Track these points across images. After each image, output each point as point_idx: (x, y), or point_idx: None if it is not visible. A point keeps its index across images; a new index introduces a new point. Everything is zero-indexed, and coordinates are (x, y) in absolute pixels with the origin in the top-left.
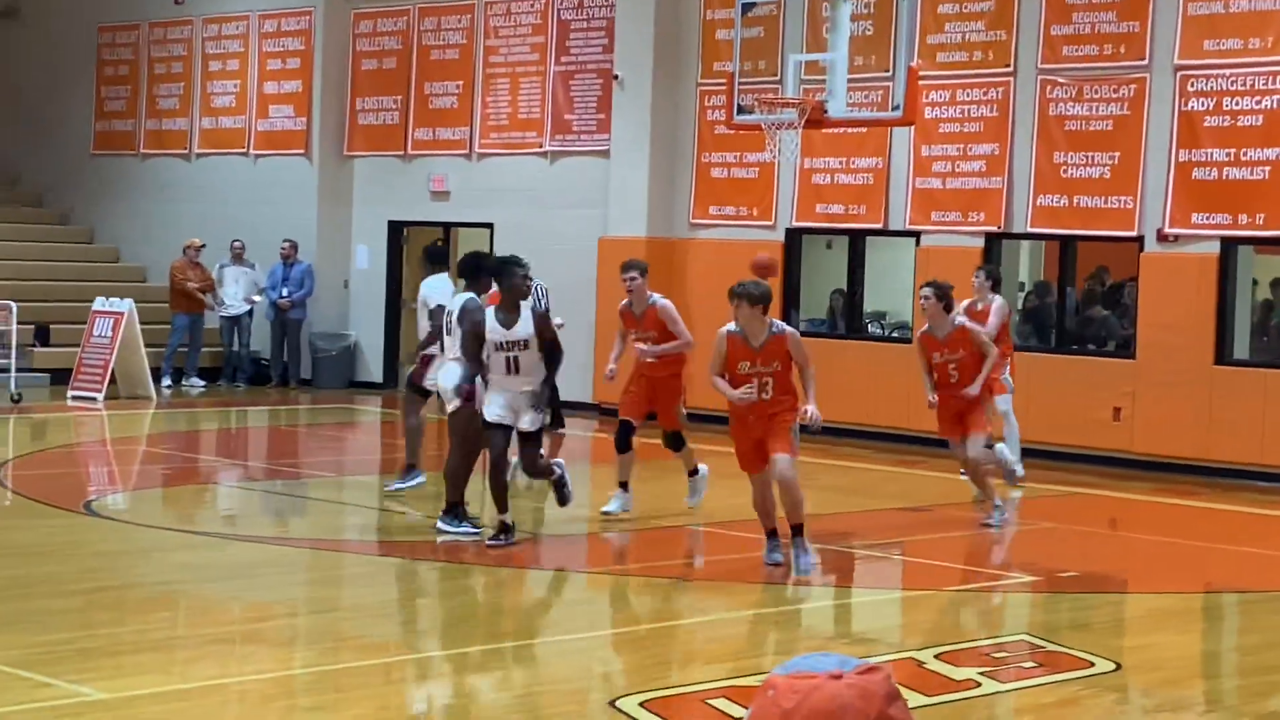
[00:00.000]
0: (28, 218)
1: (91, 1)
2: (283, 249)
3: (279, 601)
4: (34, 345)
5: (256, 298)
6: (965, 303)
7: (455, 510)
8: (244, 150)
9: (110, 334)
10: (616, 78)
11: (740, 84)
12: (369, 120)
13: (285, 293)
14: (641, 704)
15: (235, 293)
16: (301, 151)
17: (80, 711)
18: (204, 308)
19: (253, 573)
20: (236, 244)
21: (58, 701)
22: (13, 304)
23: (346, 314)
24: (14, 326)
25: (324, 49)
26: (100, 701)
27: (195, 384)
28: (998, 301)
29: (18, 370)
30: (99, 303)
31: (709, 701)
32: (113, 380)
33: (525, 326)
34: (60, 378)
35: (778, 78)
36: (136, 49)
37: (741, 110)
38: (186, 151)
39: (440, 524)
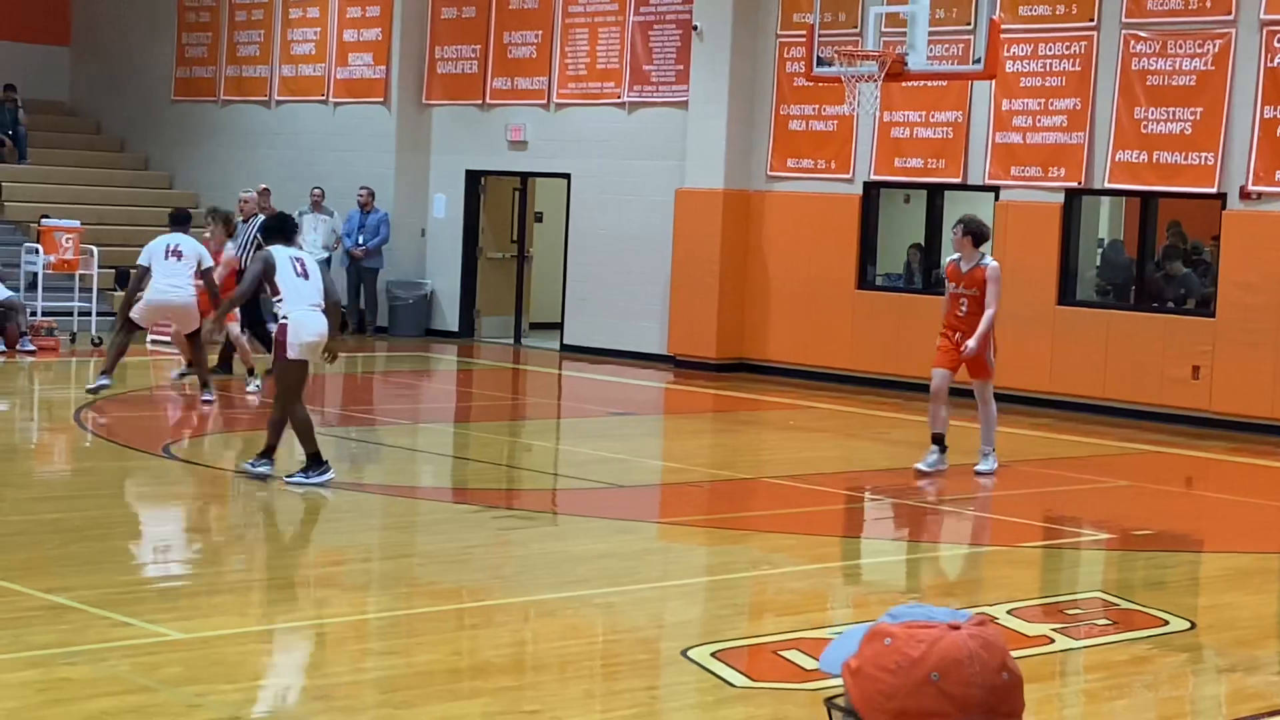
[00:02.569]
0: (109, 163)
1: None
2: (359, 197)
3: (353, 546)
4: (114, 289)
5: (335, 245)
6: (949, 259)
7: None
8: (323, 98)
9: None
10: (696, 29)
11: (820, 36)
12: (448, 69)
13: (360, 240)
14: (713, 654)
15: (314, 240)
16: (380, 100)
17: (158, 651)
18: None
19: (328, 517)
20: (315, 191)
21: (136, 641)
22: (94, 248)
23: (423, 263)
24: (95, 271)
25: None
26: (178, 641)
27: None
28: (993, 267)
29: (98, 314)
30: None
31: (780, 653)
32: None
33: None
34: None
35: (858, 30)
36: None
37: (821, 62)
38: (266, 99)
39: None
